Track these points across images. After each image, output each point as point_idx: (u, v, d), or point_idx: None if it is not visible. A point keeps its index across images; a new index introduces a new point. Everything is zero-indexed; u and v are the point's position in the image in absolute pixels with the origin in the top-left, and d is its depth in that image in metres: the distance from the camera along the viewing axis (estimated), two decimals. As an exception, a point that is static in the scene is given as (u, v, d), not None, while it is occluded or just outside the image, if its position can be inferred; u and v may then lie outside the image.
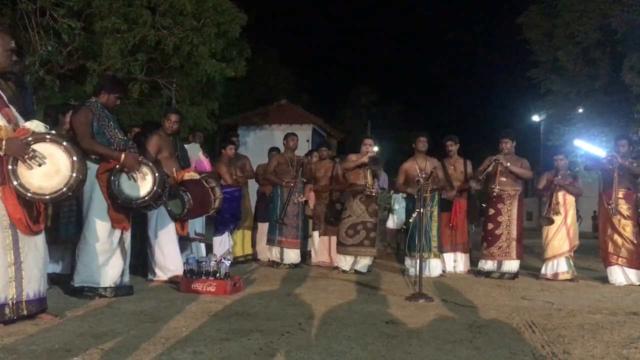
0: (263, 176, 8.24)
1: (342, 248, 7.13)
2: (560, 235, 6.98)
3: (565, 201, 7.05)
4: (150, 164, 4.64)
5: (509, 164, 6.98)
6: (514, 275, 6.93)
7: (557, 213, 7.01)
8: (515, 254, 7.00)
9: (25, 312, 3.49)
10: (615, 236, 6.65)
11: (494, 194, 6.99)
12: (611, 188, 6.68)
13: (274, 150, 8.83)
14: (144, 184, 4.53)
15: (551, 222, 7.01)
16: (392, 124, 45.75)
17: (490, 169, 7.04)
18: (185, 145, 6.76)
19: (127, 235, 4.78)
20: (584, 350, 3.28)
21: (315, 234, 7.96)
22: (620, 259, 6.59)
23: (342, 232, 7.15)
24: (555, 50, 18.32)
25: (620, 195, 6.65)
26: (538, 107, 24.45)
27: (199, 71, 13.84)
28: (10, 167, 3.32)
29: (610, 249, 6.67)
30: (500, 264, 7.01)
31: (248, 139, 23.66)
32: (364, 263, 7.07)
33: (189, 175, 5.71)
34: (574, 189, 7.12)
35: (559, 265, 6.94)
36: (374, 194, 7.06)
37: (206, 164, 6.96)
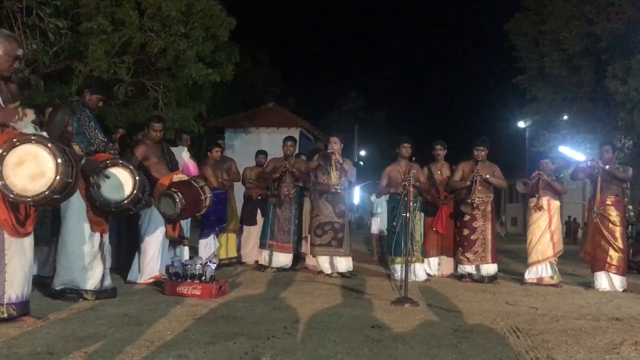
0: (257, 176, 8.24)
1: (312, 248, 7.25)
2: (545, 241, 7.05)
3: (550, 206, 7.12)
4: (131, 167, 4.59)
5: (488, 175, 7.11)
6: (492, 279, 7.03)
7: (540, 209, 7.08)
8: (491, 258, 7.10)
9: (5, 315, 3.44)
10: (603, 243, 6.68)
11: (474, 204, 7.06)
12: (597, 194, 6.73)
13: (261, 153, 8.81)
14: (123, 188, 4.49)
15: (528, 186, 7.11)
16: (379, 129, 46.01)
17: (467, 183, 7.13)
18: (173, 149, 6.75)
19: (106, 238, 4.74)
20: (567, 355, 3.31)
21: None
22: (608, 265, 6.64)
23: (311, 231, 7.21)
24: (541, 57, 18.51)
25: (609, 202, 6.68)
26: (523, 113, 24.67)
27: (184, 74, 13.79)
28: None
29: (599, 255, 6.71)
30: (478, 268, 7.09)
31: (235, 141, 23.58)
32: (342, 264, 7.10)
33: (178, 177, 5.72)
34: (557, 184, 7.22)
35: (543, 270, 7.00)
36: (339, 191, 7.10)
37: (192, 167, 6.94)
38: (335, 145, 7.30)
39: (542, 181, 7.11)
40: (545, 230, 7.06)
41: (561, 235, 7.32)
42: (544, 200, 7.10)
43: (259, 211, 8.38)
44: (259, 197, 8.36)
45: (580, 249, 7.45)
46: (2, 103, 3.44)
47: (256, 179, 8.39)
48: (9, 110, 3.39)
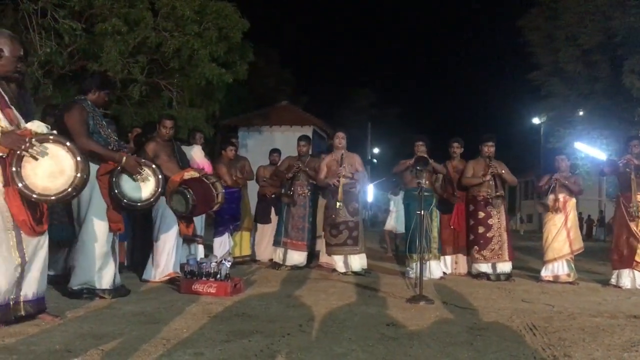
0: (271, 174, 8.27)
1: (327, 248, 7.24)
2: (561, 238, 6.97)
3: (566, 203, 7.05)
4: (153, 165, 4.64)
5: (503, 171, 7.09)
6: (508, 276, 6.98)
7: (557, 210, 7.01)
8: (508, 256, 7.03)
9: (22, 313, 3.48)
10: (632, 240, 6.56)
11: (502, 197, 7.03)
12: (629, 191, 6.57)
13: (275, 151, 8.83)
14: (146, 186, 4.53)
15: (547, 208, 7.04)
16: (392, 126, 45.88)
17: (488, 177, 7.06)
18: (187, 147, 6.79)
19: (117, 237, 4.78)
20: (584, 353, 3.28)
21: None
22: (635, 263, 6.53)
23: (326, 232, 7.20)
24: (556, 53, 18.33)
25: (639, 198, 6.59)
26: (538, 109, 24.49)
27: (198, 74, 13.85)
28: (14, 169, 3.31)
29: (626, 252, 6.58)
30: (494, 266, 7.03)
31: (248, 140, 23.67)
32: (356, 262, 7.10)
33: (189, 174, 5.75)
34: (575, 186, 7.13)
35: (559, 268, 6.94)
36: (339, 208, 7.02)
37: (205, 166, 6.95)
38: (343, 140, 7.29)
39: (559, 183, 7.02)
40: (561, 227, 6.99)
41: (579, 233, 7.23)
42: (560, 197, 7.03)
43: (272, 209, 8.41)
44: (273, 196, 8.38)
45: (593, 246, 7.36)
46: (8, 103, 3.47)
47: (270, 177, 8.42)
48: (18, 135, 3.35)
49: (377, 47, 75.92)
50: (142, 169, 4.51)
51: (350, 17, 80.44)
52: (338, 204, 6.99)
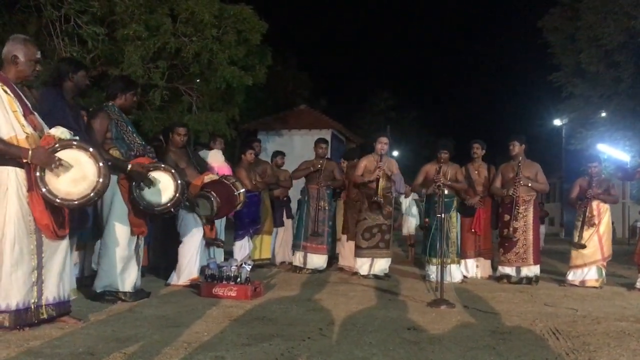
0: (291, 174, 8.32)
1: (358, 251, 7.19)
2: (592, 244, 6.83)
3: (600, 210, 6.90)
4: (172, 170, 4.65)
5: (530, 184, 6.96)
6: (531, 280, 6.86)
7: (592, 225, 6.87)
8: (533, 260, 6.93)
9: (45, 316, 3.52)
10: None
11: (517, 197, 6.92)
12: None
13: (279, 154, 8.80)
14: (165, 191, 4.56)
15: (583, 247, 6.86)
16: (410, 129, 45.71)
17: (511, 191, 6.95)
18: (208, 152, 6.83)
19: (142, 241, 4.82)
20: (609, 358, 3.23)
21: (344, 237, 7.92)
22: None
23: (358, 235, 7.18)
24: (577, 54, 18.13)
25: None
26: (559, 111, 24.19)
27: (218, 78, 13.93)
28: (38, 174, 3.36)
29: None
30: (518, 270, 6.94)
31: (267, 144, 23.70)
32: (380, 266, 7.08)
33: (209, 177, 5.80)
34: (610, 197, 6.99)
35: (588, 273, 6.80)
36: (380, 201, 6.97)
37: (226, 170, 6.98)
38: (386, 145, 7.21)
39: (595, 196, 6.90)
40: (593, 233, 6.84)
41: (611, 238, 7.07)
42: (593, 205, 6.88)
43: (284, 212, 8.49)
44: (285, 198, 8.46)
45: (618, 249, 7.22)
46: (32, 110, 3.53)
47: (292, 175, 8.41)
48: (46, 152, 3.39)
49: (395, 50, 75.73)
50: (149, 177, 4.49)
51: (369, 19, 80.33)
52: (378, 198, 6.93)
